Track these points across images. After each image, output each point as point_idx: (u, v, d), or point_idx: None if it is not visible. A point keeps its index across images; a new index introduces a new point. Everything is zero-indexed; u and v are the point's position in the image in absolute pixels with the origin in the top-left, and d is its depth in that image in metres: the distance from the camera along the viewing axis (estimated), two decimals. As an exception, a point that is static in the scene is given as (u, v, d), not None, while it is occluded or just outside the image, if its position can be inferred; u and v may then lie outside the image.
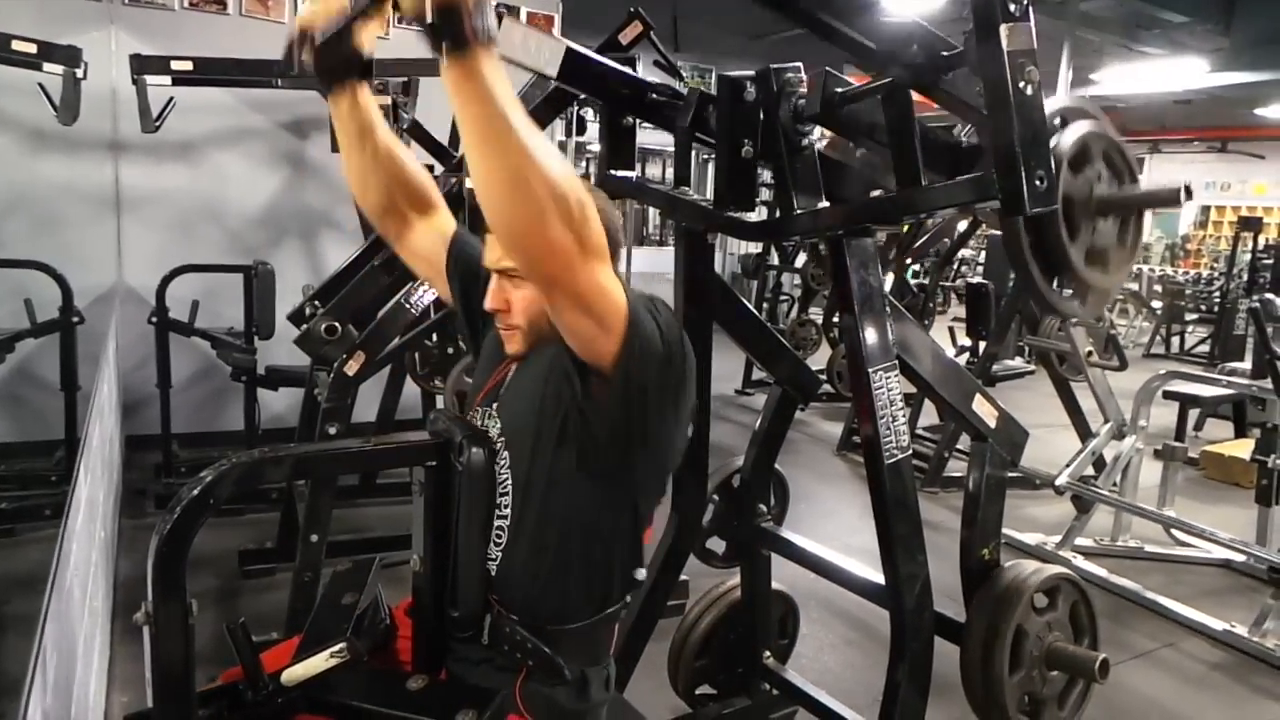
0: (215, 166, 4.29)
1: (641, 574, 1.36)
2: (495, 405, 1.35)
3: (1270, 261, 8.91)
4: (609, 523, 1.29)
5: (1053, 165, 1.25)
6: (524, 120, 0.97)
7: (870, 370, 1.54)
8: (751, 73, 1.61)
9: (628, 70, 1.76)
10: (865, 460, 1.62)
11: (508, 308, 1.30)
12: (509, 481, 1.28)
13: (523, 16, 4.83)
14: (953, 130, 4.82)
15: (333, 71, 1.28)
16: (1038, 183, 1.22)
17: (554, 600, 1.28)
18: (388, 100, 3.39)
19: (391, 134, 1.39)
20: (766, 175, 1.73)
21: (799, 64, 1.60)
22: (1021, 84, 1.20)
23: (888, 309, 1.62)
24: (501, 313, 1.31)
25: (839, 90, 1.51)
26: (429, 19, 0.93)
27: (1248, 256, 9.29)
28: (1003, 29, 1.19)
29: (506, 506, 1.28)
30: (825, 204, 1.64)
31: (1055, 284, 1.51)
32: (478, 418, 1.39)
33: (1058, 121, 1.44)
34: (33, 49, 3.24)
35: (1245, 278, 9.09)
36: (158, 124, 3.58)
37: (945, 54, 1.34)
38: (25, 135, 3.85)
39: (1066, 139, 1.41)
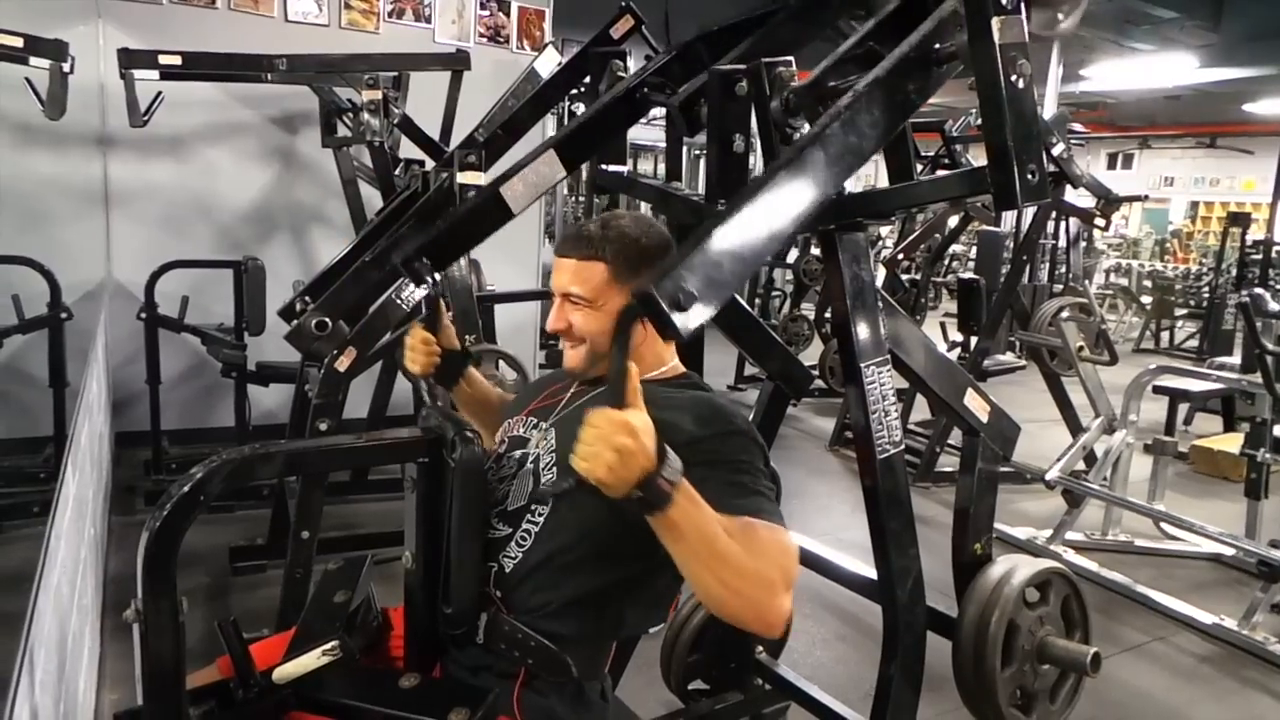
0: (205, 162, 4.26)
1: (654, 630, 1.39)
2: (553, 420, 1.39)
3: (1259, 257, 8.94)
4: (643, 573, 1.31)
5: (1044, 158, 1.25)
6: (721, 535, 1.05)
7: (863, 365, 1.54)
8: (743, 67, 1.60)
9: (609, 100, 1.76)
10: (858, 455, 1.62)
11: (569, 328, 1.37)
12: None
13: (513, 12, 4.81)
14: (943, 125, 4.80)
15: (449, 378, 1.57)
16: (1030, 176, 1.22)
17: (563, 619, 1.28)
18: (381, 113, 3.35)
19: (491, 386, 1.66)
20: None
21: (790, 58, 1.59)
22: (1013, 77, 1.20)
23: (880, 304, 1.62)
24: (563, 332, 1.38)
25: (831, 84, 1.51)
26: (637, 501, 1.00)
27: (1236, 252, 9.32)
28: (994, 22, 1.18)
29: (540, 514, 1.30)
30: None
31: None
32: (523, 426, 1.43)
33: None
34: (19, 43, 3.20)
35: (1234, 273, 9.12)
36: (146, 118, 3.55)
37: (938, 47, 1.34)
38: (12, 130, 3.82)
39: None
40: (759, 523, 1.14)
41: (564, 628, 1.28)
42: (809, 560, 2.16)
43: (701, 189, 1.77)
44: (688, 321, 0.95)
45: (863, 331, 1.56)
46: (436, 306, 1.54)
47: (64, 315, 3.49)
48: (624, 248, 1.36)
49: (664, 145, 1.86)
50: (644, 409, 1.00)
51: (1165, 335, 9.94)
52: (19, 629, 1.20)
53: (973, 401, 1.77)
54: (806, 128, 1.64)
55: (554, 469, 1.33)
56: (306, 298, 2.56)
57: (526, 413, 1.46)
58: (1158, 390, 4.62)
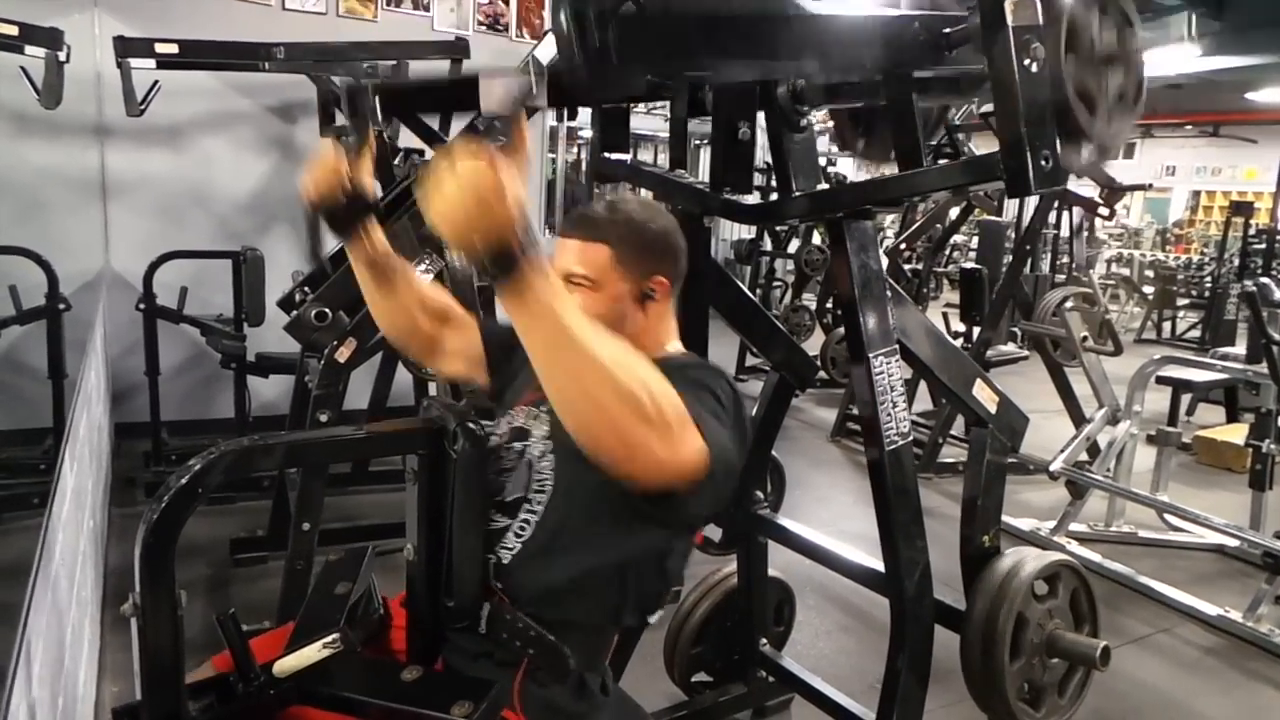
0: (202, 151, 4.23)
1: (654, 619, 1.37)
2: (546, 407, 1.35)
3: (1261, 246, 8.92)
4: (640, 559, 1.29)
5: (1058, 144, 1.23)
6: (585, 328, 0.97)
7: (871, 355, 1.52)
8: (749, 52, 1.58)
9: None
10: (865, 446, 1.60)
11: None
12: (549, 482, 1.29)
13: (513, 3, 4.77)
14: (945, 114, 4.73)
15: (346, 223, 1.33)
16: (1043, 163, 1.19)
17: (565, 606, 1.27)
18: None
19: (403, 261, 1.44)
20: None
21: (797, 43, 1.57)
22: (1026, 61, 1.18)
23: (888, 293, 1.60)
24: None
25: (839, 70, 1.49)
26: (483, 263, 0.93)
27: (1239, 241, 9.30)
28: (1007, 3, 1.16)
29: (539, 504, 1.29)
30: (823, 186, 1.62)
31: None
32: (523, 417, 1.40)
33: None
34: (14, 31, 3.18)
35: (1236, 263, 9.10)
36: (142, 108, 3.52)
37: (948, 31, 1.32)
38: (7, 119, 3.78)
39: None
40: (655, 370, 1.03)
41: (564, 616, 1.27)
42: (812, 551, 2.14)
43: (705, 177, 1.75)
44: None
45: (871, 321, 1.54)
46: (366, 135, 1.39)
47: (62, 306, 3.47)
48: (630, 232, 1.34)
49: (664, 136, 1.83)
50: (521, 186, 0.96)
51: (1167, 325, 9.92)
52: (18, 621, 1.18)
53: (981, 392, 1.75)
54: (814, 115, 1.62)
55: (550, 456, 1.31)
56: (306, 288, 2.55)
57: (526, 402, 1.43)
58: (1160, 381, 4.60)
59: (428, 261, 2.52)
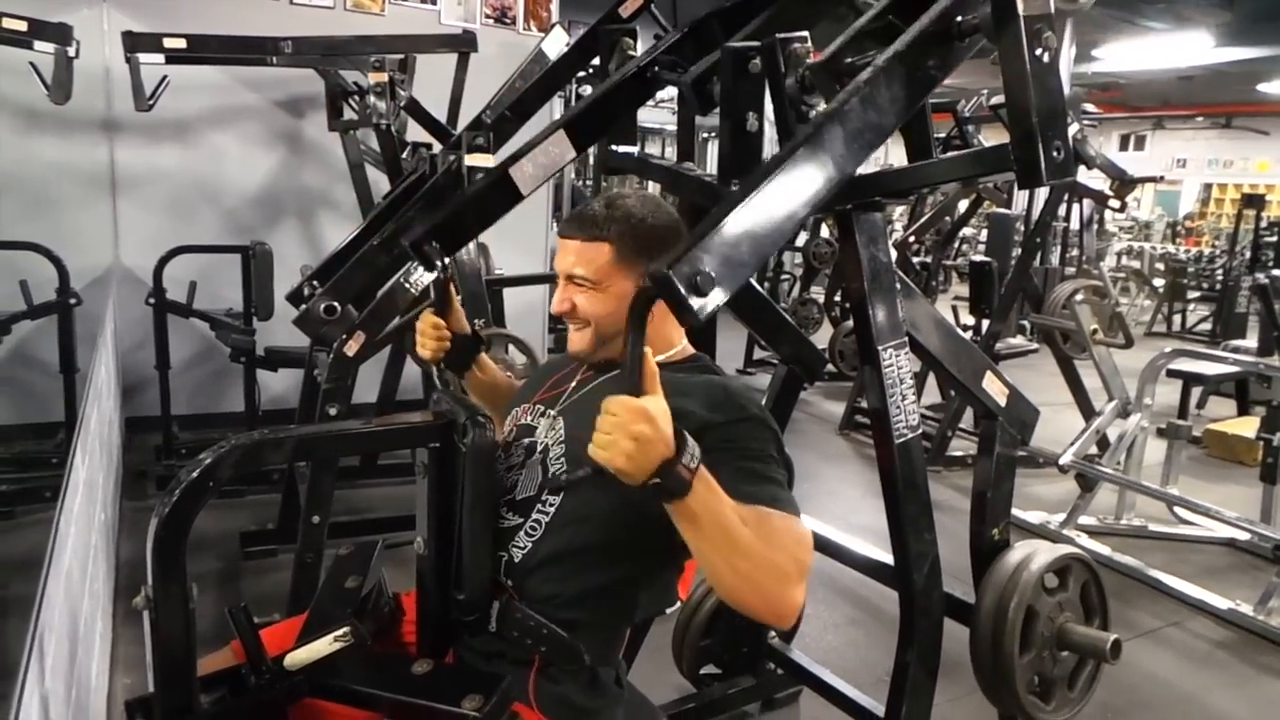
0: (211, 146, 4.24)
1: (671, 610, 1.39)
2: (560, 408, 1.38)
3: (1273, 239, 8.85)
4: (656, 562, 1.30)
5: (1069, 136, 1.22)
6: (736, 519, 1.03)
7: (880, 348, 1.51)
8: (757, 43, 1.57)
9: (620, 79, 1.73)
10: (874, 440, 1.59)
11: (572, 310, 1.35)
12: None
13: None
14: (955, 105, 4.73)
15: (461, 364, 1.57)
16: (1055, 154, 1.19)
17: (575, 608, 1.27)
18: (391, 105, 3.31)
19: (505, 376, 1.66)
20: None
21: (806, 33, 1.56)
22: (1039, 51, 1.17)
23: (897, 285, 1.59)
24: (567, 314, 1.36)
25: (849, 60, 1.48)
26: (656, 486, 0.98)
27: (1250, 234, 9.23)
28: (1019, -7, 1.15)
29: (551, 505, 1.28)
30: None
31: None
32: (530, 415, 1.42)
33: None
34: (23, 26, 3.18)
35: (1248, 255, 9.04)
36: (151, 103, 3.53)
37: (959, 20, 1.30)
38: (17, 115, 3.80)
39: None
40: (774, 512, 1.11)
41: (576, 616, 1.26)
42: (820, 544, 2.14)
43: (713, 170, 1.74)
44: (705, 305, 0.91)
45: (880, 313, 1.53)
46: (446, 291, 1.53)
47: (73, 301, 3.49)
48: (630, 228, 1.32)
49: (671, 129, 1.83)
50: (661, 394, 0.98)
51: (1177, 318, 9.87)
52: (30, 614, 1.19)
53: (991, 385, 1.74)
54: (823, 105, 1.60)
55: (563, 459, 1.31)
56: (314, 282, 2.54)
57: (534, 401, 1.44)
58: (1171, 374, 4.58)
59: (435, 255, 2.52)
